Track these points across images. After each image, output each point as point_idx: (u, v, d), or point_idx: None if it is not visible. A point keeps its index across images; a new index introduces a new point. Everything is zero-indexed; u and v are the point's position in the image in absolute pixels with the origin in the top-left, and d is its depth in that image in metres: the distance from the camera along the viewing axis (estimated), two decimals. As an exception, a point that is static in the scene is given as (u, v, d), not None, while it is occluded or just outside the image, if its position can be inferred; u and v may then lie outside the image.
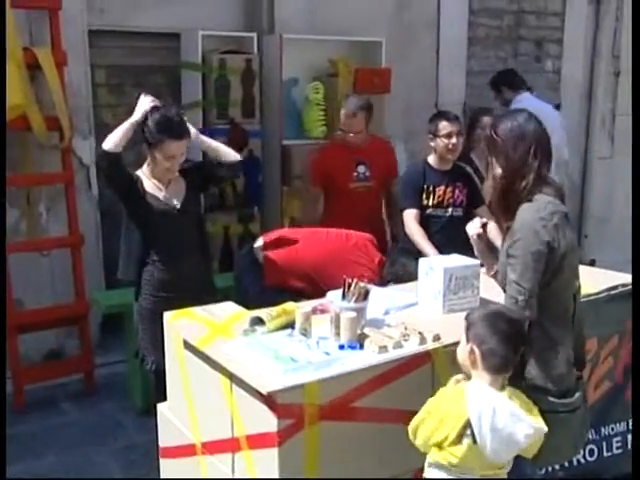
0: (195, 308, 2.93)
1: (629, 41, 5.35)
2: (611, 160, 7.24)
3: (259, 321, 2.67)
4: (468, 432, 2.17)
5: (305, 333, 2.60)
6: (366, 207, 4.52)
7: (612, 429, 3.38)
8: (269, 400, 2.23)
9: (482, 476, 2.23)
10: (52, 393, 4.50)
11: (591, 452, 3.34)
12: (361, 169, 4.53)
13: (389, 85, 5.38)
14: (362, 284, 2.75)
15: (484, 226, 2.76)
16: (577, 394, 2.44)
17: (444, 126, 4.16)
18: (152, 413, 3.18)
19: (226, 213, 5.16)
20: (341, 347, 2.52)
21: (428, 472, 2.31)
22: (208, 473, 2.65)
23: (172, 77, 5.16)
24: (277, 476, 2.26)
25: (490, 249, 2.76)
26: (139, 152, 3.59)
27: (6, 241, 4.20)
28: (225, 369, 2.45)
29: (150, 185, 3.45)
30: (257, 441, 2.35)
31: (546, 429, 2.22)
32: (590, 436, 3.23)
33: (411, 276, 3.27)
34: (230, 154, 3.55)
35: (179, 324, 2.83)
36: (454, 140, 4.16)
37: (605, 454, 3.38)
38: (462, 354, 2.30)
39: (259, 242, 3.89)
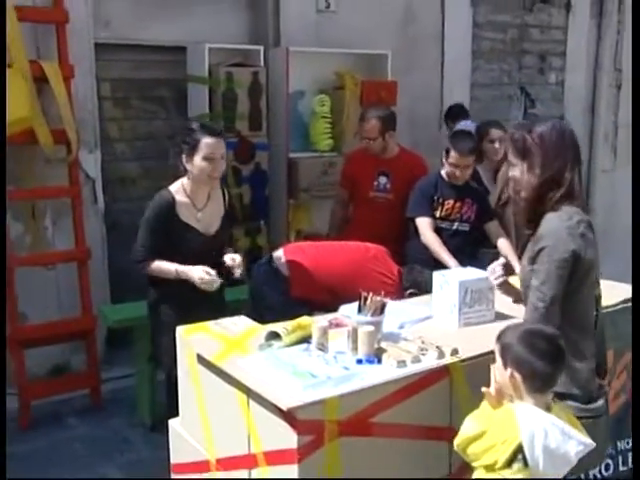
0: (208, 323, 2.90)
1: (630, 54, 5.37)
2: (613, 172, 7.26)
3: (275, 335, 2.65)
4: (519, 456, 2.10)
5: (322, 348, 2.58)
6: (385, 219, 4.50)
7: (627, 443, 3.35)
8: (289, 416, 2.20)
9: None
10: (58, 408, 4.46)
11: (607, 467, 3.31)
12: (382, 180, 4.54)
13: (395, 98, 5.39)
14: (378, 298, 2.73)
15: (504, 266, 2.75)
16: (600, 401, 2.41)
17: (454, 156, 4.20)
18: (161, 429, 3.16)
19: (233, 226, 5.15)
20: (359, 362, 2.49)
21: None
22: (223, 490, 2.62)
23: (178, 90, 5.16)
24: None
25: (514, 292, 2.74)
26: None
27: (9, 254, 4.17)
28: (242, 384, 2.42)
29: (185, 206, 3.42)
30: (275, 457, 2.31)
31: (594, 444, 2.17)
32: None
33: (428, 283, 3.27)
34: None
35: (192, 339, 2.80)
36: (458, 173, 4.21)
37: (621, 468, 3.34)
38: (501, 379, 2.21)
39: (279, 252, 3.86)
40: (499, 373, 2.22)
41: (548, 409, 2.18)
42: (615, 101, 7.23)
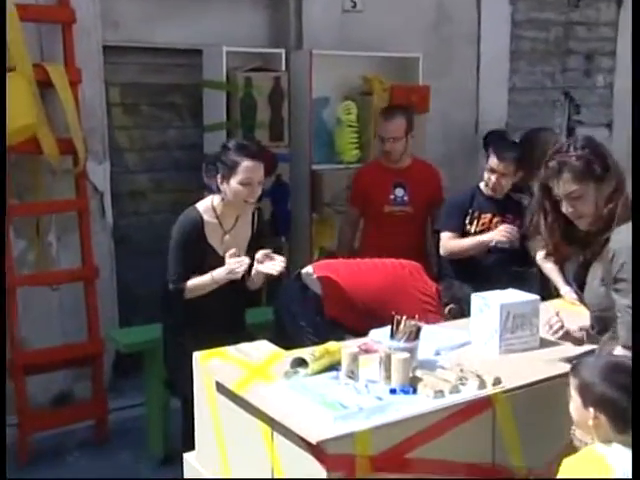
0: (228, 348, 2.93)
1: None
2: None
3: (301, 362, 2.66)
4: None
5: (352, 376, 2.59)
6: (405, 234, 4.54)
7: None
8: (317, 450, 2.21)
9: None
10: (61, 441, 4.47)
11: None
12: (399, 192, 4.57)
13: (428, 104, 5.41)
14: (412, 322, 2.74)
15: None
16: None
17: (492, 160, 4.23)
18: (174, 462, 3.17)
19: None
20: (393, 391, 2.50)
21: None
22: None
23: (193, 97, 5.20)
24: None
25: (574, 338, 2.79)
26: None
27: (10, 273, 4.21)
28: (265, 415, 2.43)
29: (212, 227, 3.46)
30: (302, 496, 2.32)
31: None
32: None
33: (468, 298, 3.29)
34: None
35: (211, 365, 2.83)
36: (493, 179, 4.22)
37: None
38: (581, 419, 2.18)
39: (308, 269, 3.88)
40: (578, 413, 2.19)
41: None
42: (670, 104, 7.20)
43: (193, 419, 2.96)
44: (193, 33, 5.05)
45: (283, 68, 5.08)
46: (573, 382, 2.22)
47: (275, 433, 2.41)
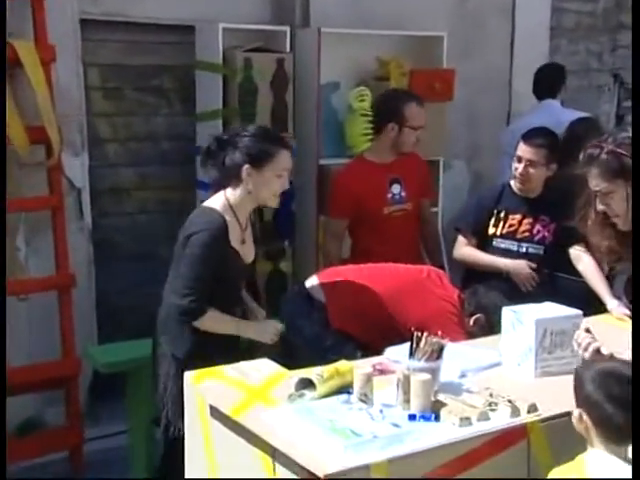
0: (224, 367, 2.95)
1: None
2: None
3: (308, 384, 2.68)
4: None
5: (365, 399, 2.60)
6: (406, 236, 4.60)
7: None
8: (325, 484, 2.23)
9: None
10: (29, 476, 4.44)
11: None
12: (396, 189, 4.61)
13: (452, 90, 5.42)
14: (435, 339, 2.76)
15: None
16: None
17: (520, 147, 4.25)
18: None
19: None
20: (412, 417, 2.52)
21: None
22: None
23: (184, 80, 5.23)
24: None
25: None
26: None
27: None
28: (266, 444, 2.44)
29: (233, 228, 3.49)
30: (308, 536, 2.34)
31: None
32: None
33: (496, 307, 3.30)
34: None
35: (204, 387, 2.86)
36: (521, 168, 4.21)
37: None
38: (574, 419, 2.31)
39: (312, 279, 3.92)
40: (575, 412, 2.30)
41: (629, 462, 2.21)
42: None
43: (176, 450, 2.98)
44: (185, 7, 5.06)
45: (287, 49, 5.10)
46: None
47: (277, 464, 2.42)
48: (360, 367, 2.74)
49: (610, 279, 3.90)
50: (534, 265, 4.18)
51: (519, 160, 4.22)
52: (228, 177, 3.48)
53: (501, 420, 2.53)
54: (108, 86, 5.16)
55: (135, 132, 5.25)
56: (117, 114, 5.17)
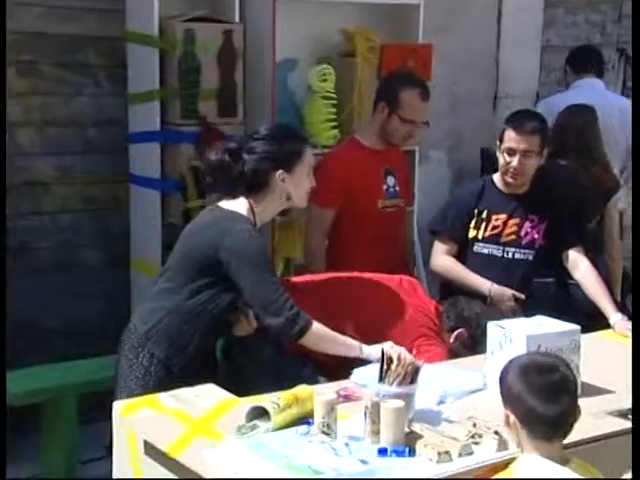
0: (160, 395, 2.94)
1: None
2: None
3: (261, 413, 2.67)
4: None
5: (328, 431, 2.61)
6: (396, 237, 4.65)
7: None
8: (281, 532, 2.23)
9: None
10: None
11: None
12: (390, 181, 4.63)
13: (430, 69, 5.43)
14: (409, 359, 2.77)
15: None
16: None
17: (509, 137, 4.22)
18: None
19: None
20: (382, 452, 2.53)
21: None
22: None
23: (113, 54, 5.20)
24: None
25: None
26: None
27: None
28: (211, 486, 2.44)
29: None
30: None
31: None
32: None
33: (479, 319, 3.32)
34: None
35: (137, 419, 2.84)
36: (515, 162, 4.21)
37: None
38: (503, 422, 2.44)
39: None
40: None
41: (565, 462, 2.34)
42: None
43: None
44: (114, -32, 5.06)
45: (237, 19, 5.09)
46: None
47: (224, 509, 2.42)
48: (322, 393, 2.74)
49: (611, 289, 3.94)
50: (522, 296, 4.15)
51: (511, 153, 4.19)
52: (250, 185, 3.53)
53: (486, 455, 2.55)
54: (22, 59, 5.07)
55: (55, 115, 5.19)
56: (33, 93, 5.10)
